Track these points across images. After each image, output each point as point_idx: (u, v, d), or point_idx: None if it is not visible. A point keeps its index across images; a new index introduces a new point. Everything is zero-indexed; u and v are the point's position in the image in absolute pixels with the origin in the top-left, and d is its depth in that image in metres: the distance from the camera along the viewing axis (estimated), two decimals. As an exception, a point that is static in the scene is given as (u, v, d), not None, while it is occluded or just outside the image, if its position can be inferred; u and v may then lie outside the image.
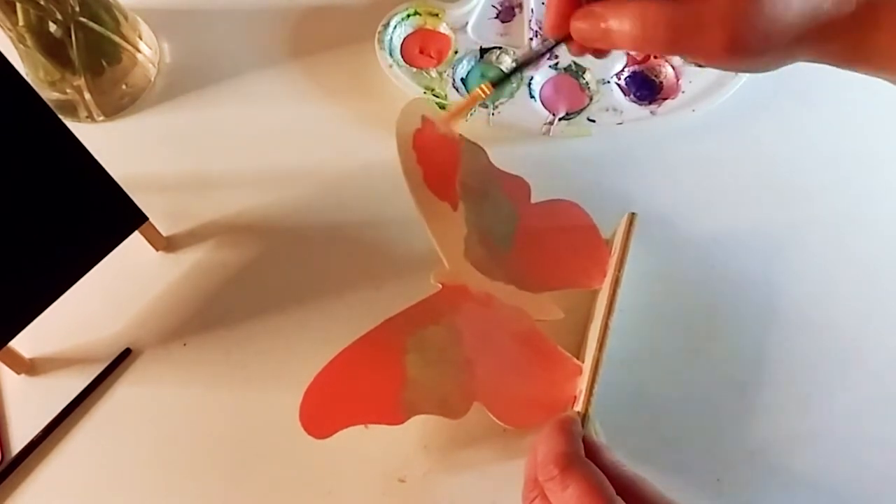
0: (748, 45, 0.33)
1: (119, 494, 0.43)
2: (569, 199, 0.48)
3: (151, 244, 0.49)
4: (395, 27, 0.57)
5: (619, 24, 0.34)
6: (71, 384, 0.46)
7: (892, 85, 0.36)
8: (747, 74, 0.54)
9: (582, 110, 0.54)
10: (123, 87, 0.56)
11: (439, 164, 0.46)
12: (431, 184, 0.45)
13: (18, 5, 0.48)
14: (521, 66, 0.41)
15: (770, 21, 0.33)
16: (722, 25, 0.33)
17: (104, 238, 0.45)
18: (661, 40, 0.34)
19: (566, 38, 0.38)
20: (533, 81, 0.55)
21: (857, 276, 0.49)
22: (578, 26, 0.36)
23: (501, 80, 0.41)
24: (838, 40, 0.34)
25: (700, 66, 0.54)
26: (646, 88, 0.55)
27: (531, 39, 0.56)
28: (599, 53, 0.39)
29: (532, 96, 0.55)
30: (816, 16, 0.33)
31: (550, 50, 0.40)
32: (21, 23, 0.49)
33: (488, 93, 0.41)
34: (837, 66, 0.36)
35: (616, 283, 0.43)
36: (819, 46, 0.34)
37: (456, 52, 0.56)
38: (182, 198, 0.52)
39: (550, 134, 0.53)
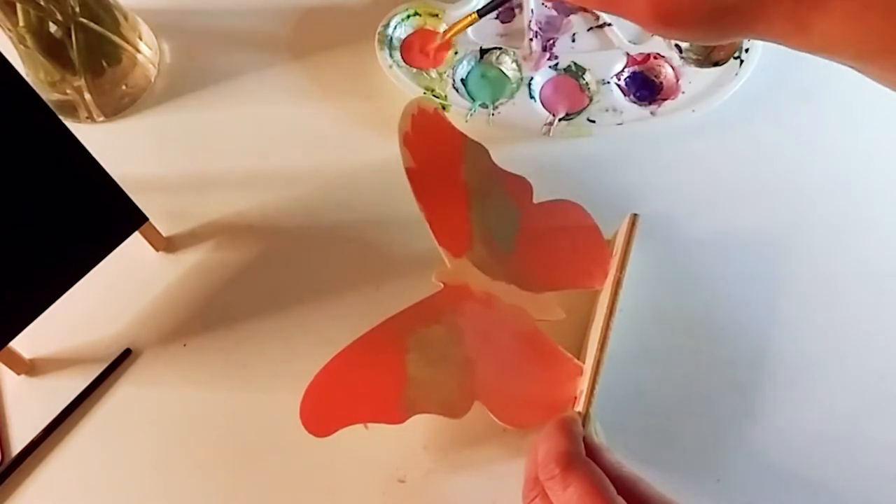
0: (673, 14, 0.32)
1: (119, 495, 0.43)
2: (571, 199, 0.48)
3: (151, 244, 0.49)
4: (396, 27, 0.57)
5: None
6: (71, 384, 0.46)
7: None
8: (748, 74, 0.54)
9: (582, 111, 0.54)
10: (123, 87, 0.56)
11: (442, 162, 0.46)
12: (434, 183, 0.45)
13: (18, 6, 0.48)
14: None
15: None
16: None
17: (104, 238, 0.45)
18: None
19: None
20: (533, 82, 0.55)
21: (857, 276, 0.49)
22: None
23: (490, 8, 0.47)
24: (784, 22, 0.32)
25: (696, 61, 0.54)
26: (646, 89, 0.55)
27: (531, 40, 0.56)
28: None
29: (532, 97, 0.55)
30: None
31: None
32: (21, 23, 0.49)
33: (475, 18, 0.47)
34: (783, 44, 0.34)
35: (618, 283, 0.43)
36: (764, 24, 0.33)
37: (456, 53, 0.56)
38: (182, 198, 0.52)
39: (550, 134, 0.53)
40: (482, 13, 0.46)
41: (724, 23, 0.33)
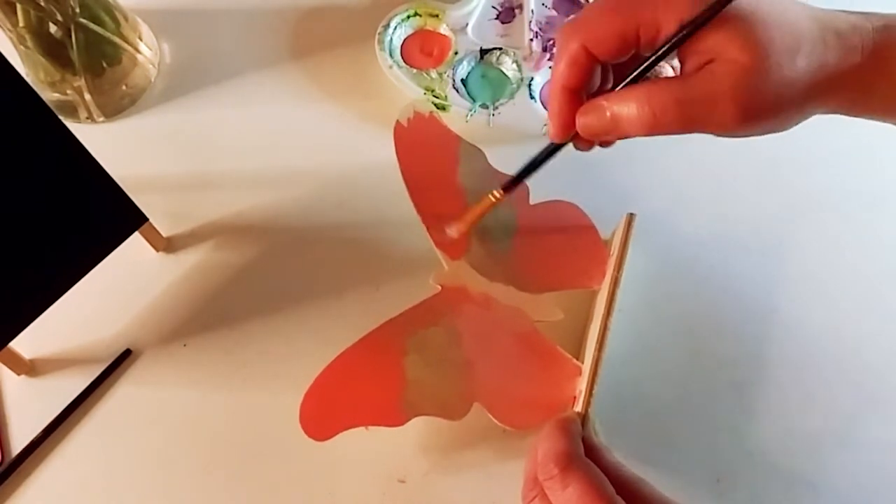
0: (760, 113, 0.33)
1: (119, 495, 0.43)
2: (568, 199, 0.48)
3: (152, 245, 0.49)
4: (396, 28, 0.57)
5: (628, 110, 0.34)
6: (71, 385, 0.46)
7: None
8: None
9: (582, 111, 0.54)
10: (123, 87, 0.56)
11: (438, 165, 0.46)
12: (430, 186, 0.45)
13: (18, 6, 0.48)
14: (529, 170, 0.40)
15: (777, 85, 0.32)
16: (732, 98, 0.32)
17: (104, 239, 0.45)
18: (673, 121, 0.33)
19: (572, 138, 0.38)
20: (533, 82, 0.55)
21: (856, 276, 0.49)
22: (585, 122, 0.36)
23: (512, 185, 0.41)
24: (845, 91, 0.34)
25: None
26: (645, 89, 0.55)
27: (531, 41, 0.56)
28: (606, 144, 0.39)
29: (532, 97, 0.55)
30: (823, 70, 0.33)
31: (557, 150, 0.39)
32: (21, 24, 0.49)
33: (500, 198, 0.41)
34: (844, 114, 0.36)
35: (615, 283, 0.43)
36: (828, 98, 0.34)
37: (456, 53, 0.56)
38: (182, 198, 0.52)
39: (550, 134, 0.53)
40: (507, 189, 0.41)
41: (800, 110, 0.34)
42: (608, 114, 0.35)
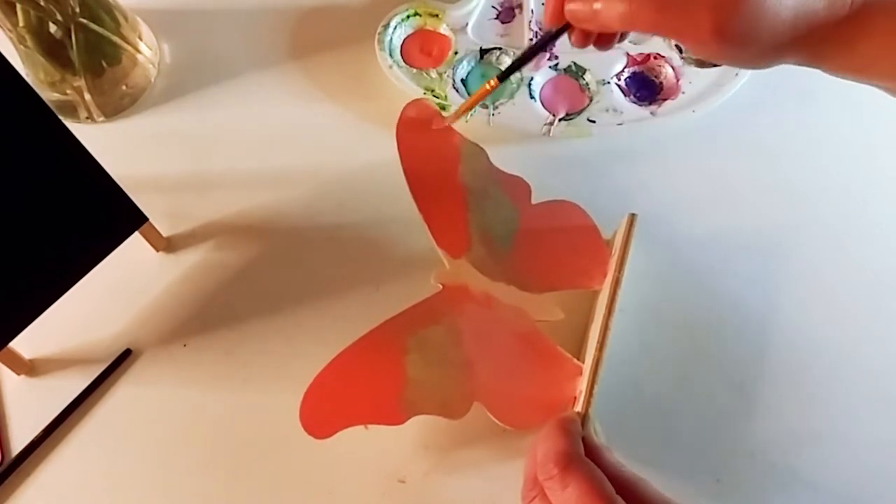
0: (734, 34, 0.33)
1: (119, 495, 0.43)
2: (569, 199, 0.48)
3: (151, 245, 0.49)
4: (396, 28, 0.57)
5: (609, 1, 0.35)
6: (71, 385, 0.46)
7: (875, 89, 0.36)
8: (748, 75, 0.54)
9: (582, 111, 0.54)
10: (123, 87, 0.56)
11: (439, 164, 0.46)
12: (432, 185, 0.45)
13: (18, 6, 0.48)
14: (525, 59, 0.42)
15: (760, 13, 0.33)
16: (710, 12, 0.33)
17: (104, 239, 0.45)
18: (648, 19, 0.34)
19: (565, 28, 0.39)
20: (533, 82, 0.55)
21: (856, 276, 0.49)
22: (571, 8, 0.37)
23: (507, 74, 0.43)
24: (828, 44, 0.34)
25: (697, 62, 0.55)
26: (646, 89, 0.55)
27: (531, 40, 0.56)
28: (602, 45, 0.39)
29: (532, 97, 0.55)
30: (809, 17, 0.33)
31: (552, 40, 0.40)
32: (21, 24, 0.49)
33: (495, 86, 0.43)
34: (822, 69, 0.36)
35: (616, 283, 0.43)
36: (808, 49, 0.35)
37: (456, 53, 0.56)
38: (182, 198, 0.52)
39: (551, 134, 0.53)
40: (503, 77, 0.42)
41: (776, 51, 0.35)
42: (594, 4, 0.36)
